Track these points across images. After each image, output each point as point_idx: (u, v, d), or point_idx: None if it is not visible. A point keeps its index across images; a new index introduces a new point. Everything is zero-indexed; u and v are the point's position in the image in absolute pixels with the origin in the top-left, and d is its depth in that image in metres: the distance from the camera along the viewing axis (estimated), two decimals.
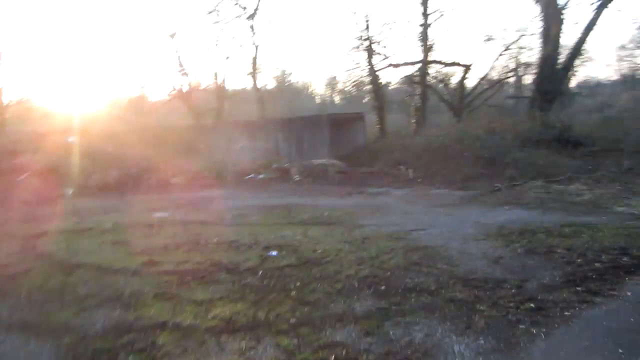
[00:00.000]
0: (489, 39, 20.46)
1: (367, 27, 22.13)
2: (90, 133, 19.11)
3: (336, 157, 16.92)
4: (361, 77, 23.72)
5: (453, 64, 21.34)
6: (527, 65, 22.55)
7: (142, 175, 15.41)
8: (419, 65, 23.05)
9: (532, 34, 20.37)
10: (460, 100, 21.91)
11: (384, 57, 21.56)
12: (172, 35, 29.12)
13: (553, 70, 17.51)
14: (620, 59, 37.99)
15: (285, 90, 49.50)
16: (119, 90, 33.02)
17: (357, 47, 22.24)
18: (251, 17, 27.95)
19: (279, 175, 15.90)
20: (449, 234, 6.90)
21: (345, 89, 50.55)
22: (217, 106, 31.15)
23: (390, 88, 27.88)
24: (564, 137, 12.59)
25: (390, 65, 21.45)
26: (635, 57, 36.86)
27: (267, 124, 18.30)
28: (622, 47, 36.23)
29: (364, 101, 45.71)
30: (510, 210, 8.53)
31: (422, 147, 14.51)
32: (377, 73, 23.27)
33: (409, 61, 22.06)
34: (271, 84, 44.92)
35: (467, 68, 20.87)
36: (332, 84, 53.28)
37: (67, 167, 14.85)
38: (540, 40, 17.86)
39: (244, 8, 27.81)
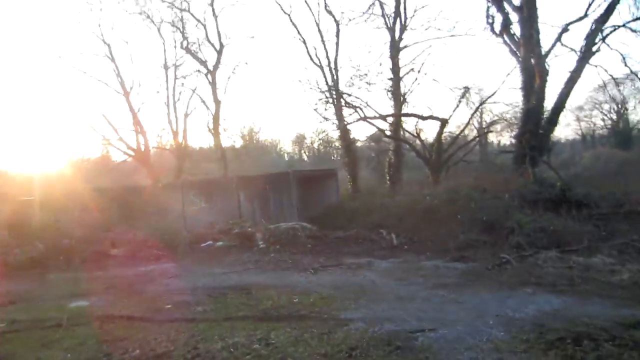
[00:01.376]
0: (464, 93, 19.24)
1: (336, 79, 20.96)
2: (23, 198, 16.53)
3: (306, 219, 14.87)
4: (331, 130, 22.22)
5: (429, 117, 20.24)
6: (505, 120, 21.76)
7: (77, 247, 12.85)
8: (392, 119, 21.87)
9: (511, 88, 19.61)
10: (438, 156, 20.63)
11: (353, 110, 20.25)
12: (128, 93, 27.29)
13: (538, 125, 16.48)
14: (579, 119, 39.15)
15: (253, 148, 48.03)
16: (81, 150, 30.36)
17: (326, 101, 20.92)
18: (211, 72, 26.69)
19: (240, 242, 13.62)
20: (470, 338, 4.86)
21: (314, 145, 49.70)
22: (177, 165, 29.03)
23: (359, 145, 26.48)
24: (565, 197, 11.06)
25: (361, 118, 20.11)
26: (593, 117, 38.23)
27: (228, 183, 16.23)
28: (580, 108, 37.35)
29: (332, 158, 44.63)
30: (534, 294, 6.61)
31: (406, 208, 12.72)
32: (347, 127, 21.92)
33: (381, 114, 20.78)
34: (238, 142, 43.36)
35: (444, 122, 19.79)
36: (300, 141, 52.36)
37: None
38: (522, 93, 16.94)
39: (204, 61, 26.56)
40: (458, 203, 11.37)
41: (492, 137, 29.96)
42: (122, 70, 27.12)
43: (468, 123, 20.82)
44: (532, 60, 16.64)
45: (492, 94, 19.66)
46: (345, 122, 20.53)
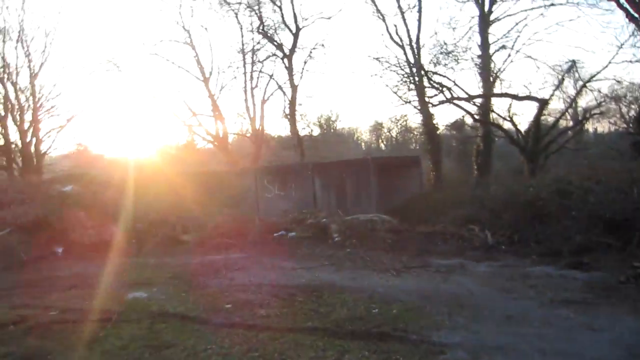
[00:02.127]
0: (570, 67, 16.55)
1: (419, 58, 19.13)
2: (109, 181, 16.94)
3: (386, 210, 13.52)
4: (413, 114, 20.50)
5: (526, 97, 17.76)
6: (620, 98, 18.56)
7: (149, 230, 12.68)
8: (482, 100, 19.64)
9: (627, 60, 16.57)
10: (536, 142, 18.14)
11: (438, 91, 18.33)
12: (207, 79, 27.45)
13: None
14: None
15: (330, 137, 47.22)
16: (169, 137, 31.51)
17: (408, 81, 19.20)
18: (287, 56, 25.95)
19: (314, 233, 12.64)
20: None
21: (392, 133, 47.74)
22: (253, 152, 28.89)
23: (439, 133, 24.34)
24: None
25: (447, 100, 18.16)
26: None
27: (303, 169, 15.31)
28: None
29: (411, 147, 42.38)
30: None
31: (502, 200, 10.89)
32: (430, 110, 20.05)
33: (470, 94, 18.66)
34: (316, 131, 42.73)
35: (543, 103, 17.27)
36: (377, 129, 50.58)
37: (61, 220, 12.36)
38: None
39: (280, 45, 25.86)
40: (572, 197, 9.37)
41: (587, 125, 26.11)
42: (202, 56, 27.27)
43: (572, 104, 17.96)
44: None
45: (603, 69, 16.73)
46: (430, 104, 18.68)
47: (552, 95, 17.51)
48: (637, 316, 5.24)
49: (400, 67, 19.45)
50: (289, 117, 27.21)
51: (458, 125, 27.76)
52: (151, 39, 37.61)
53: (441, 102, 18.37)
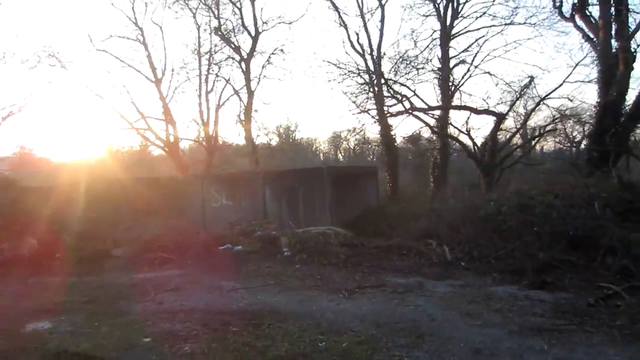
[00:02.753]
0: (529, 84, 16.57)
1: (379, 67, 18.69)
2: (38, 187, 15.24)
3: (341, 223, 12.75)
4: (370, 124, 20.00)
5: (484, 111, 17.64)
6: (576, 115, 18.82)
7: (77, 244, 11.24)
8: (440, 113, 19.44)
9: (580, 80, 16.79)
10: (492, 156, 18.03)
11: (397, 101, 17.91)
12: (159, 80, 25.97)
13: (617, 121, 13.77)
14: None
15: (289, 146, 46.37)
16: (116, 141, 29.25)
17: (367, 89, 18.69)
18: (244, 60, 24.98)
19: (262, 247, 11.65)
20: None
21: (350, 145, 47.50)
22: (206, 159, 27.55)
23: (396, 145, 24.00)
24: None
25: (406, 110, 17.75)
26: None
27: (253, 177, 14.30)
28: None
29: (369, 159, 42.21)
30: None
31: (461, 214, 10.35)
32: (389, 121, 19.64)
33: (430, 105, 18.36)
34: (274, 140, 41.67)
35: (501, 117, 17.19)
36: (336, 140, 50.37)
37: None
38: (599, 84, 14.27)
39: (238, 47, 24.88)
40: (534, 212, 8.92)
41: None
42: (154, 56, 25.74)
43: (527, 119, 18.07)
44: (614, 44, 13.93)
45: (559, 86, 16.89)
46: (389, 113, 18.20)
47: (509, 109, 17.52)
48: (617, 347, 4.64)
49: (359, 74, 18.92)
50: (243, 122, 26.16)
51: (414, 138, 27.67)
52: (100, 34, 35.41)
53: (400, 112, 17.95)
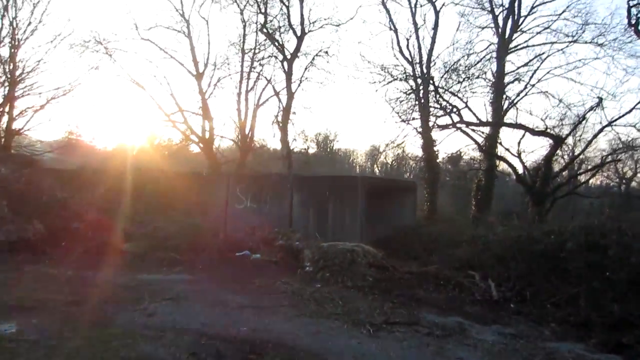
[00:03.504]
0: (597, 104, 14.86)
1: (428, 76, 17.39)
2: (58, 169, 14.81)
3: (371, 240, 11.52)
4: (413, 136, 18.65)
5: (541, 132, 15.98)
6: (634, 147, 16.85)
7: (85, 233, 10.53)
8: (489, 131, 17.92)
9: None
10: (545, 184, 16.34)
11: (445, 112, 16.53)
12: (201, 75, 25.53)
13: None
14: None
15: (325, 156, 45.49)
16: (154, 132, 28.98)
17: (413, 96, 17.38)
18: (287, 60, 24.21)
19: (282, 257, 10.60)
20: None
21: (388, 157, 46.13)
22: (239, 158, 26.86)
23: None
24: None
25: (454, 123, 16.33)
26: None
27: (281, 181, 13.29)
28: None
29: (406, 177, 40.69)
30: None
31: (512, 246, 8.94)
32: (432, 135, 18.27)
33: (481, 120, 16.87)
34: (312, 148, 40.83)
35: (559, 141, 15.51)
36: (374, 154, 49.13)
37: None
38: None
39: (282, 46, 24.13)
40: (605, 252, 7.44)
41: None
42: (198, 50, 25.31)
43: (588, 145, 16.18)
44: None
45: (629, 111, 15.05)
46: (435, 125, 16.82)
47: (570, 133, 15.79)
48: None
49: (406, 79, 17.67)
50: (280, 124, 25.34)
51: (455, 158, 26.12)
52: (145, 23, 35.54)
53: (447, 126, 16.52)
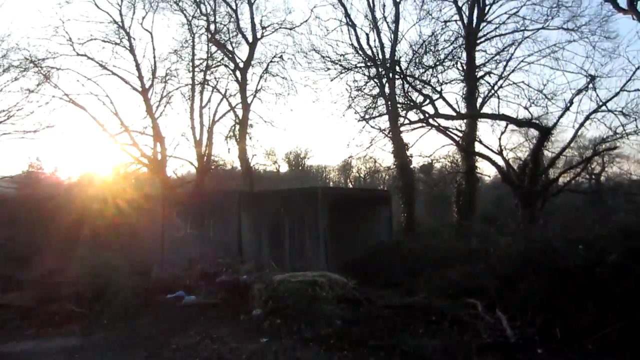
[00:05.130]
0: (588, 85, 13.03)
1: (392, 65, 15.33)
2: None
3: (340, 265, 9.20)
4: (382, 142, 16.59)
5: (527, 123, 14.06)
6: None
7: None
8: (465, 127, 16.02)
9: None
10: (533, 182, 14.41)
11: (414, 107, 14.48)
12: (146, 90, 22.88)
13: None
14: None
15: (297, 175, 43.31)
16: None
17: (378, 92, 15.28)
18: (240, 69, 21.95)
19: (224, 298, 8.12)
20: None
21: (361, 171, 44.38)
22: (197, 180, 24.15)
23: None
24: None
25: (427, 118, 14.26)
26: None
27: (226, 200, 10.83)
28: None
29: (380, 188, 38.87)
30: None
31: (521, 261, 6.77)
32: (402, 137, 16.24)
33: (458, 112, 14.90)
34: (284, 167, 38.42)
35: (546, 132, 13.62)
36: (346, 169, 47.39)
37: None
38: None
39: (232, 54, 21.89)
40: None
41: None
42: (143, 65, 22.67)
43: (578, 130, 14.17)
44: None
45: (616, 94, 13.25)
46: (406, 122, 14.68)
47: (555, 123, 13.90)
48: None
49: (367, 66, 15.56)
50: (237, 139, 22.89)
51: (426, 168, 24.35)
52: (82, 36, 32.66)
53: (421, 120, 14.38)
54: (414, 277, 8.74)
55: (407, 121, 14.59)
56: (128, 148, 23.53)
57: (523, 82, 16.68)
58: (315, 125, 58.00)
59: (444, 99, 14.72)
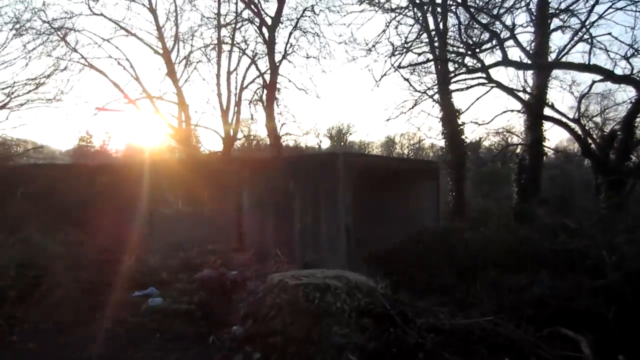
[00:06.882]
0: None
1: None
2: None
3: (366, 258, 6.72)
4: (431, 107, 13.77)
5: (624, 78, 10.83)
6: None
7: None
8: (535, 85, 12.96)
9: None
10: (623, 156, 11.28)
11: (469, 53, 11.51)
12: (169, 52, 20.92)
13: None
14: None
15: (341, 151, 41.14)
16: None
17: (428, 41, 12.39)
18: (267, 26, 19.47)
19: (202, 302, 5.87)
20: None
21: (403, 146, 41.43)
22: (223, 150, 22.14)
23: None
24: None
25: (486, 66, 11.25)
26: None
27: (224, 171, 8.53)
28: None
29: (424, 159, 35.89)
30: None
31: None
32: (454, 104, 13.35)
33: (531, 54, 11.77)
34: (325, 143, 36.12)
35: None
36: (389, 145, 44.61)
37: None
38: None
39: (258, 10, 19.37)
40: None
41: None
42: (166, 26, 20.70)
43: None
44: None
45: None
46: (459, 72, 11.73)
47: None
48: None
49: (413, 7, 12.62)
50: (264, 104, 20.59)
51: (473, 145, 21.31)
52: None
53: (482, 70, 11.23)
54: (471, 281, 6.18)
55: (462, 72, 11.57)
56: (151, 117, 21.94)
57: (610, 33, 13.21)
58: (357, 97, 54.79)
59: (517, 41, 11.50)
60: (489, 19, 11.11)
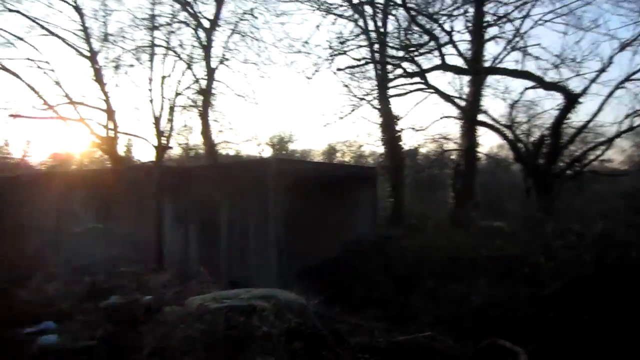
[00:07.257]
0: (622, 47, 10.15)
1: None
2: None
3: (299, 273, 6.17)
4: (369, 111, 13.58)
5: (552, 86, 11.10)
6: None
7: None
8: (471, 91, 13.13)
9: None
10: (551, 160, 11.57)
11: (404, 69, 11.42)
12: (95, 54, 19.32)
13: None
14: None
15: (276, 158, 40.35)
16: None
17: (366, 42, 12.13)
18: (205, 29, 18.58)
19: (108, 336, 5.03)
20: None
21: (345, 154, 41.61)
22: (154, 161, 20.76)
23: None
24: None
25: (424, 69, 11.17)
26: None
27: (142, 181, 7.68)
28: None
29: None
30: None
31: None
32: (391, 108, 13.25)
33: (467, 65, 11.85)
34: (267, 151, 35.26)
35: (573, 99, 10.74)
36: (330, 153, 44.62)
37: None
38: None
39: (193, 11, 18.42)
40: None
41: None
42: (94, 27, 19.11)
43: (609, 95, 11.21)
44: None
45: None
46: (397, 74, 11.57)
47: (585, 89, 10.92)
48: None
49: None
50: (200, 112, 19.55)
51: (411, 152, 21.59)
52: None
53: (419, 74, 11.11)
54: (409, 292, 5.80)
55: (400, 75, 11.41)
56: (75, 124, 20.16)
57: (539, 44, 13.52)
58: (298, 104, 54.37)
59: (454, 45, 11.52)
60: (427, 22, 11.12)
